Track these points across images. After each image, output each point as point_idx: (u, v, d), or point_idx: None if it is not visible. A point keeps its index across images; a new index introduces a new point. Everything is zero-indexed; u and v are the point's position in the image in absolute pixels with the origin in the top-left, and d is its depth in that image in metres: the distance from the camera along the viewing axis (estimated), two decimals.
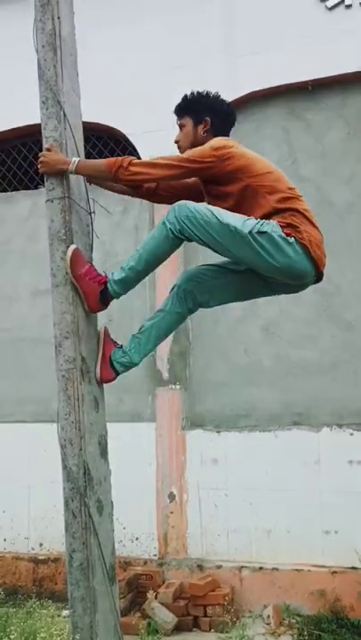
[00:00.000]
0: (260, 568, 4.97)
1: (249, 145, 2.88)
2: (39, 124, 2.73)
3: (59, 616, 4.47)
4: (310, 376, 5.15)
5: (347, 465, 4.92)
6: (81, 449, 2.55)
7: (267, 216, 2.61)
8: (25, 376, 5.85)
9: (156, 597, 4.77)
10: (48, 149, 2.66)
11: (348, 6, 5.16)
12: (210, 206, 2.62)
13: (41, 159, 2.65)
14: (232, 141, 2.74)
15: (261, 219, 2.59)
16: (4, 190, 6.31)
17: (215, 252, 2.67)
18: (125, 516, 4.92)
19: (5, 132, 6.09)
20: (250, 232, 2.52)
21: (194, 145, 2.77)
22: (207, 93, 2.87)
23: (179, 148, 2.88)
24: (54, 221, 2.66)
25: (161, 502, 5.31)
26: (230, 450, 5.20)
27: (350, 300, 5.15)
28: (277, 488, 5.03)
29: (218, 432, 5.28)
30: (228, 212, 2.59)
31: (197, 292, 2.82)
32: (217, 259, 2.82)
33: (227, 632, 4.51)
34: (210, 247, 2.63)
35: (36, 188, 6.06)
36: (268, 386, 5.25)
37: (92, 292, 2.64)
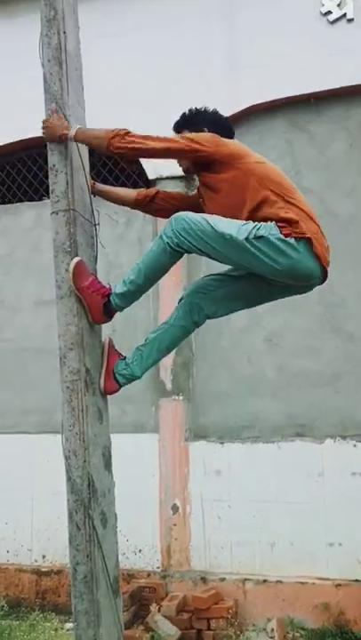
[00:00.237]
0: (264, 581, 4.94)
1: None
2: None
3: (62, 629, 4.46)
4: (314, 387, 5.14)
5: (350, 477, 4.90)
6: (85, 460, 2.55)
7: (262, 203, 2.58)
8: (28, 386, 5.85)
9: (159, 610, 4.75)
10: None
11: (350, 20, 5.21)
12: (206, 215, 2.60)
13: (45, 124, 2.66)
14: (233, 140, 2.77)
15: (257, 206, 2.57)
16: (9, 202, 6.34)
17: (216, 260, 2.66)
18: (128, 528, 4.89)
19: (11, 143, 6.13)
20: (246, 238, 2.49)
21: (194, 160, 2.78)
22: (205, 108, 2.88)
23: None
24: (59, 234, 2.67)
25: (164, 514, 5.29)
26: (234, 461, 5.19)
27: (354, 311, 5.15)
28: (281, 500, 5.02)
29: (221, 443, 5.26)
30: (224, 219, 2.57)
31: (204, 304, 2.79)
32: (221, 268, 2.82)
33: None
34: (210, 257, 2.62)
35: (40, 199, 6.09)
36: (271, 397, 5.24)
37: (96, 305, 2.64)
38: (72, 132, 2.62)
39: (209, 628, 4.66)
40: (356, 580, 4.74)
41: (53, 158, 2.70)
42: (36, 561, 5.59)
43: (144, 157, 2.86)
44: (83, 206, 2.78)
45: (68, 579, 5.01)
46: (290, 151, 5.41)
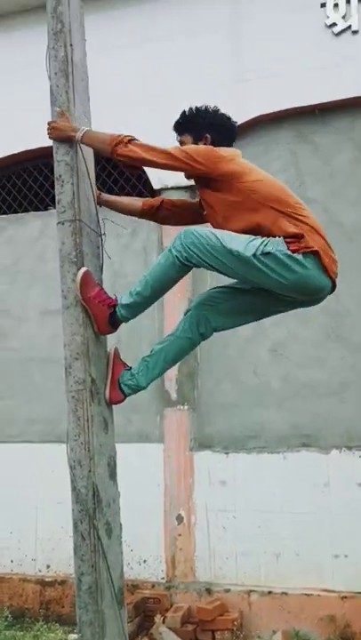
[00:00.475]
0: (270, 592, 4.91)
1: None
2: (50, 147, 2.76)
3: None
4: (319, 398, 5.13)
5: (356, 487, 4.87)
6: (90, 470, 2.55)
7: (264, 222, 2.58)
8: (34, 396, 5.85)
9: (163, 621, 4.72)
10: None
11: (355, 32, 5.23)
12: (214, 230, 2.62)
13: (52, 125, 2.68)
14: (233, 153, 2.74)
15: (257, 226, 2.58)
16: (15, 211, 6.38)
17: (225, 275, 2.66)
18: (133, 538, 4.86)
19: (17, 154, 6.16)
20: (254, 255, 2.50)
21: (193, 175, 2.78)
22: (206, 108, 2.88)
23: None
24: (65, 244, 2.68)
25: (169, 524, 5.27)
26: (239, 471, 5.17)
27: (359, 321, 5.14)
28: (286, 510, 4.99)
29: (226, 453, 5.25)
30: (232, 233, 2.58)
31: (211, 317, 2.78)
32: (227, 280, 2.82)
33: None
34: (219, 272, 2.62)
35: (45, 209, 6.12)
36: (276, 407, 5.23)
37: (102, 315, 2.65)
38: (80, 135, 2.64)
39: None
40: None
41: (60, 169, 2.72)
42: (40, 571, 5.57)
43: (145, 166, 2.87)
44: (89, 216, 2.79)
45: (72, 589, 5.00)
46: (294, 162, 5.42)
